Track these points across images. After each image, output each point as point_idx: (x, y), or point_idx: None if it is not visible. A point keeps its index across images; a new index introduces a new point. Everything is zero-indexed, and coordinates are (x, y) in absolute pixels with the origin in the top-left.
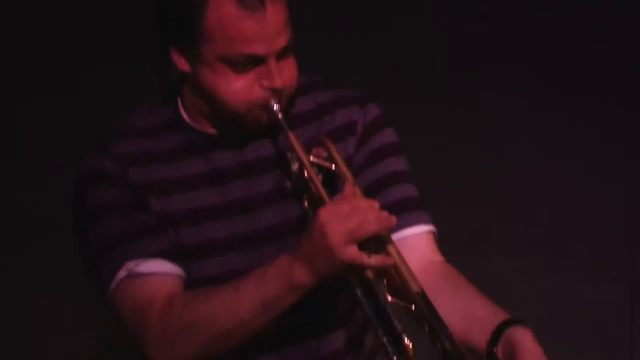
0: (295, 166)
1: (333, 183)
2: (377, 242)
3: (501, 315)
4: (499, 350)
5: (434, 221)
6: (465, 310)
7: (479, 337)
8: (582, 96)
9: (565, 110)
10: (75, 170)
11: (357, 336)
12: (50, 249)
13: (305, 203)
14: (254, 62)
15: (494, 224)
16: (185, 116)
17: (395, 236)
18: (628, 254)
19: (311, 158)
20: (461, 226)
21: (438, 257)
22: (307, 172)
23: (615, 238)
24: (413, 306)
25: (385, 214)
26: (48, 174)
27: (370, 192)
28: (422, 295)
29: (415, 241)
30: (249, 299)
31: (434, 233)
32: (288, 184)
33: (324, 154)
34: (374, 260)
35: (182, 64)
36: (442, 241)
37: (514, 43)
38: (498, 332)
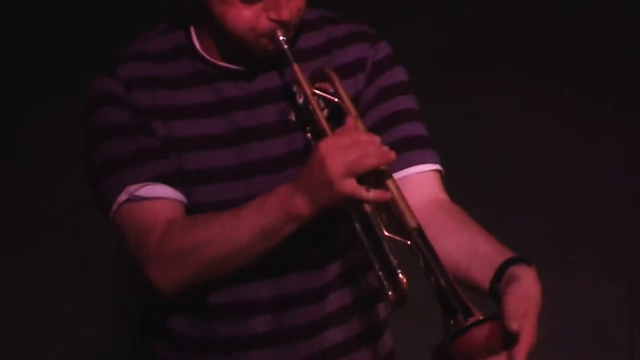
0: (300, 99)
1: (337, 117)
2: (377, 177)
3: (506, 253)
4: (502, 287)
5: None
6: (469, 246)
7: (482, 274)
8: (581, 97)
9: (565, 111)
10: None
11: (354, 270)
12: (50, 249)
13: (309, 135)
14: None
15: (494, 225)
16: (197, 44)
17: (401, 173)
18: (628, 254)
19: (315, 91)
20: None
21: (443, 195)
22: (311, 104)
23: (615, 238)
24: (409, 242)
25: (385, 148)
26: (49, 174)
27: (378, 129)
28: (419, 231)
29: (421, 179)
30: (248, 225)
31: (440, 172)
32: (292, 116)
33: (330, 88)
34: (372, 194)
35: None
36: None
37: (513, 44)
38: (501, 270)
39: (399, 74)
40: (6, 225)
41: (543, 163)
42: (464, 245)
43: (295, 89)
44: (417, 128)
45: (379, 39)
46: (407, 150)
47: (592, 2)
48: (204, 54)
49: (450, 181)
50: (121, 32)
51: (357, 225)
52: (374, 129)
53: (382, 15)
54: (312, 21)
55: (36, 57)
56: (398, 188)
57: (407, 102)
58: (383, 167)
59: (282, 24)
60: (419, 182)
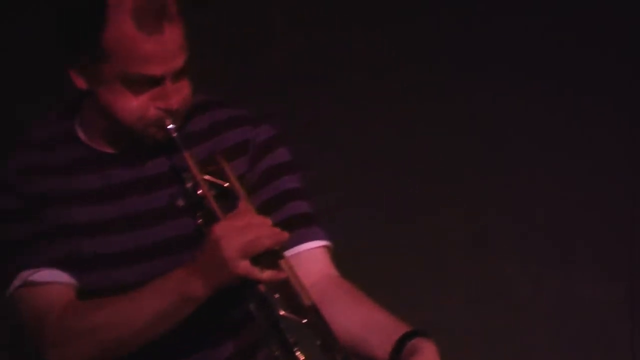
0: (189, 184)
1: (227, 200)
2: (270, 257)
3: (403, 326)
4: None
5: (435, 224)
6: (365, 320)
7: (380, 346)
8: (581, 96)
9: (565, 110)
10: None
11: (249, 350)
12: None
13: (200, 220)
14: (151, 82)
15: (495, 225)
16: (80, 133)
17: (291, 252)
18: (628, 254)
19: (205, 176)
20: (462, 228)
21: (334, 271)
22: (202, 190)
23: (616, 238)
24: (305, 320)
25: (277, 229)
26: None
27: (264, 209)
28: (314, 309)
29: (312, 255)
30: (144, 309)
31: (329, 247)
32: (181, 202)
33: (219, 172)
34: (266, 274)
35: (80, 83)
36: (444, 242)
37: (513, 43)
38: (402, 342)
39: (282, 155)
40: None
41: (543, 163)
42: (360, 318)
43: (184, 174)
44: (303, 206)
45: (261, 122)
46: (296, 229)
47: (592, 2)
48: (88, 143)
49: (450, 181)
50: None
51: (252, 305)
52: (261, 209)
53: (383, 15)
54: (199, 105)
55: (34, 56)
56: (291, 267)
57: (292, 181)
58: (276, 248)
59: (170, 113)
60: (310, 258)
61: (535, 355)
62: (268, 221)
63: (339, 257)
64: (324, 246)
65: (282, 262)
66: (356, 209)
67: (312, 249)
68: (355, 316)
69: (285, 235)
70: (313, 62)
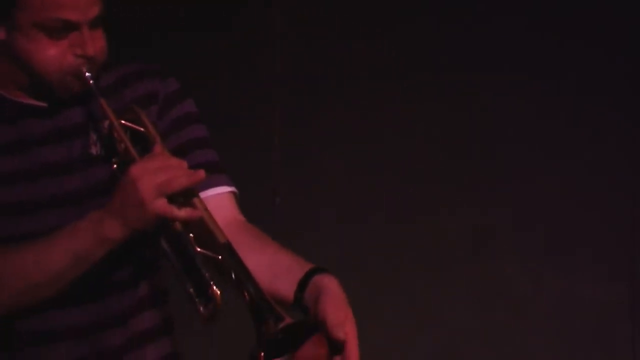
0: (104, 130)
1: (141, 146)
2: (185, 197)
3: (306, 265)
4: (306, 296)
5: (435, 224)
6: (271, 261)
7: (286, 286)
8: (582, 97)
9: (566, 111)
10: None
11: (160, 292)
12: None
13: (115, 166)
14: (67, 28)
15: (496, 226)
16: None
17: (201, 195)
18: (629, 254)
19: (122, 121)
20: (463, 228)
21: (240, 216)
22: (117, 134)
23: (617, 239)
24: (220, 257)
25: (192, 171)
26: None
27: (174, 156)
28: (228, 246)
29: (219, 201)
30: (60, 251)
31: (235, 194)
32: (94, 150)
33: (133, 120)
34: (183, 212)
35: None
36: (444, 243)
37: (514, 44)
38: (305, 279)
39: (190, 106)
40: None
41: (544, 163)
42: (266, 260)
43: (96, 124)
44: (210, 154)
45: (168, 75)
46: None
47: (592, 2)
48: (3, 93)
49: (451, 181)
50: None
51: (165, 245)
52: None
53: (383, 16)
54: (103, 64)
55: None
56: (205, 207)
57: (198, 131)
58: (191, 188)
59: (88, 60)
60: (218, 203)
61: (536, 355)
62: (184, 163)
63: (339, 257)
64: (230, 192)
65: (196, 201)
66: (356, 210)
67: (219, 194)
68: (262, 259)
69: (202, 173)
70: (313, 62)
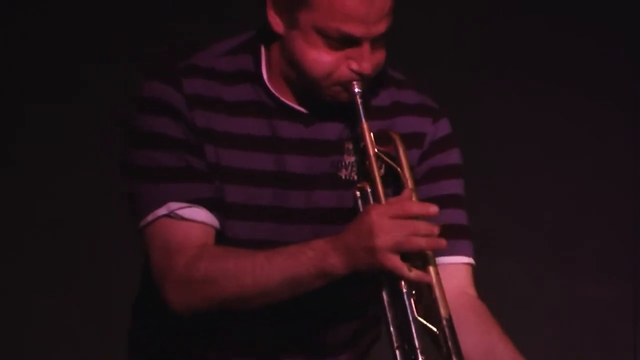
0: (354, 158)
1: (392, 181)
2: (420, 258)
3: None
4: None
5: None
6: (487, 349)
7: None
8: (584, 97)
9: (569, 112)
10: (136, 89)
11: (358, 335)
12: (51, 249)
13: (357, 193)
14: (348, 41)
15: (499, 226)
16: (264, 73)
17: (438, 260)
18: (632, 255)
19: (378, 152)
20: None
21: (472, 291)
22: (370, 164)
23: (619, 239)
24: (437, 330)
25: (436, 230)
26: (50, 174)
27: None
28: (449, 322)
29: (454, 270)
30: (279, 271)
31: (473, 266)
32: (343, 173)
33: (391, 152)
34: (413, 274)
35: (277, 24)
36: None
37: (517, 44)
38: None
39: (454, 157)
40: (7, 225)
41: (546, 163)
42: (483, 346)
43: (351, 146)
44: (460, 216)
45: (442, 115)
46: (447, 238)
47: (592, 2)
48: (270, 86)
49: None
50: (123, 33)
51: (385, 296)
52: None
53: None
54: (378, 77)
55: (34, 56)
56: (437, 274)
57: (456, 187)
58: (429, 252)
59: (361, 76)
60: (452, 272)
61: (537, 356)
62: (432, 209)
63: None
64: (469, 263)
65: (430, 267)
66: None
67: (458, 263)
68: (481, 343)
69: (443, 242)
70: None
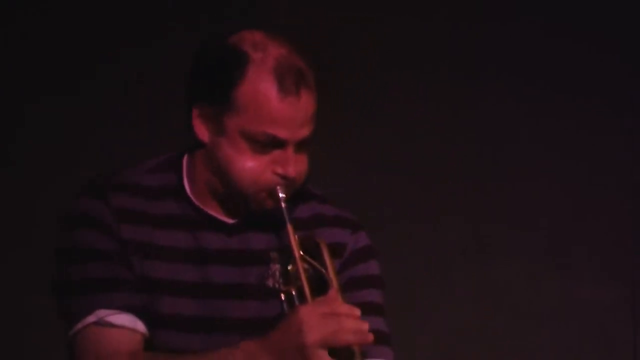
0: (279, 265)
1: (317, 285)
2: (347, 355)
3: None
4: None
5: (436, 225)
6: None
7: None
8: (582, 100)
9: (566, 114)
10: (67, 208)
11: None
12: (51, 249)
13: (282, 296)
14: (273, 144)
15: (497, 229)
16: (187, 187)
17: None
18: (630, 257)
19: (304, 255)
20: (464, 230)
21: None
22: (296, 265)
23: (618, 241)
24: None
25: (365, 326)
26: (50, 174)
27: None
28: None
29: None
30: None
31: None
32: (270, 282)
33: (315, 257)
34: None
35: (203, 134)
36: (445, 244)
37: (512, 49)
38: None
39: (373, 268)
40: (7, 226)
41: (544, 165)
42: None
43: (274, 254)
44: (381, 324)
45: (360, 228)
46: (370, 343)
47: (592, 2)
48: (193, 199)
49: (451, 183)
50: (123, 33)
51: None
52: None
53: (383, 17)
54: (301, 192)
55: (38, 58)
56: None
57: (375, 296)
58: (355, 347)
59: (286, 181)
60: None
61: (537, 356)
62: (356, 312)
63: None
64: None
65: None
66: (356, 209)
67: None
68: None
69: (371, 336)
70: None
